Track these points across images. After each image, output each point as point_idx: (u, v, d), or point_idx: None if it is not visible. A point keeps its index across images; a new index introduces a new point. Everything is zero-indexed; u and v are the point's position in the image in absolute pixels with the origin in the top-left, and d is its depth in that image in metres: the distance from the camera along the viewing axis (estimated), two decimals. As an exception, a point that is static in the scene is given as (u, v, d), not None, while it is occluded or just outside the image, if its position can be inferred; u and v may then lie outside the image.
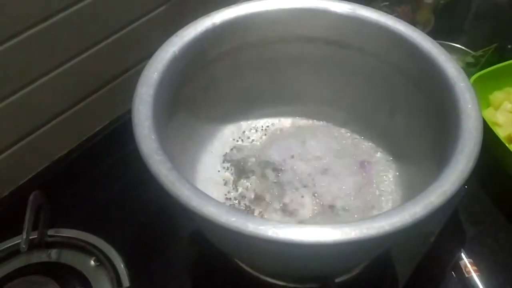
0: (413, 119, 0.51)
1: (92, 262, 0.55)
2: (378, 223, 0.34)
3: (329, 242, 0.34)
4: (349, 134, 0.58)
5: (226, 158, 0.56)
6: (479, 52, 0.81)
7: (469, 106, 0.41)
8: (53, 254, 0.56)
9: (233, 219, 0.35)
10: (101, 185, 0.65)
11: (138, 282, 0.52)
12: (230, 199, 0.54)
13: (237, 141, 0.58)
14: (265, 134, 0.58)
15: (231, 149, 0.57)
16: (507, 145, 0.64)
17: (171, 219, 0.59)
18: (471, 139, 0.39)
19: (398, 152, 0.54)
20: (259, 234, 0.34)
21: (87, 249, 0.55)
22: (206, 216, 0.36)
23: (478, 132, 0.40)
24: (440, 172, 0.38)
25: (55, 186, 0.64)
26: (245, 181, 0.55)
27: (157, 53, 0.47)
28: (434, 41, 0.47)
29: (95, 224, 0.59)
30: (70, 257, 0.55)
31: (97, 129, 0.74)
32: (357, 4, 0.51)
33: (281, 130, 0.59)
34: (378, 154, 0.56)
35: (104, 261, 0.54)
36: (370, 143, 0.57)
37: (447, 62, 0.45)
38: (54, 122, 0.67)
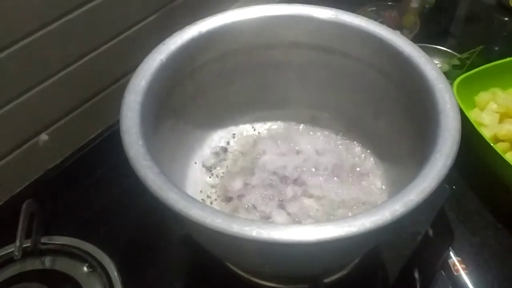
0: (396, 120, 0.52)
1: (85, 269, 0.55)
2: (359, 221, 0.35)
3: (311, 241, 0.35)
4: (336, 136, 0.59)
5: (215, 163, 0.57)
6: (465, 55, 0.83)
7: (448, 106, 0.43)
8: (46, 262, 0.56)
9: (218, 220, 0.36)
10: (94, 193, 0.66)
11: (131, 287, 0.53)
12: (218, 201, 0.54)
13: (226, 146, 0.59)
14: (254, 138, 0.59)
15: (220, 154, 0.58)
16: (492, 145, 0.65)
17: (162, 225, 0.60)
18: (450, 138, 0.40)
19: (383, 152, 0.55)
20: (244, 235, 0.35)
21: (80, 256, 0.56)
22: (192, 218, 0.36)
23: (456, 132, 0.41)
24: (419, 170, 0.39)
25: (49, 195, 0.65)
26: (235, 184, 0.55)
27: (144, 61, 0.48)
28: (415, 45, 0.49)
29: (88, 231, 0.60)
30: (63, 264, 0.56)
31: (90, 138, 0.75)
32: (340, 10, 0.53)
33: (269, 133, 0.60)
34: (364, 155, 0.57)
35: (97, 267, 0.55)
36: (356, 144, 0.58)
37: (427, 64, 0.46)
38: (47, 131, 0.68)
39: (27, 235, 0.55)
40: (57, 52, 0.64)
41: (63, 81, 0.66)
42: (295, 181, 0.54)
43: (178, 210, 0.37)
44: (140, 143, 0.41)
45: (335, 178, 0.54)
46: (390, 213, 0.36)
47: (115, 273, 0.54)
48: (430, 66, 0.46)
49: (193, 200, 0.38)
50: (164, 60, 0.48)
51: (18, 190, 0.67)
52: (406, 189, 0.37)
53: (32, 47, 0.60)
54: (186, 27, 0.51)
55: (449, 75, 0.80)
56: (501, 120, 0.71)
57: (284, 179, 0.54)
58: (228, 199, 0.55)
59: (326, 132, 0.59)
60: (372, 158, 0.56)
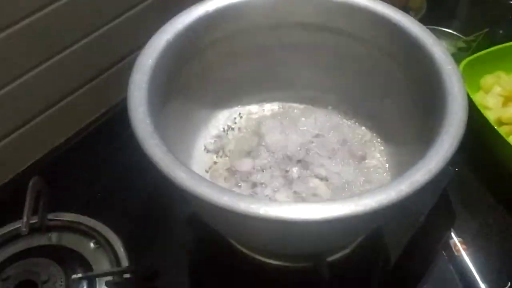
0: (402, 102, 0.52)
1: (92, 245, 0.56)
2: (365, 200, 0.36)
3: (317, 220, 0.35)
4: (341, 117, 0.59)
5: (220, 142, 0.58)
6: (471, 37, 0.82)
7: (455, 88, 0.43)
8: (53, 238, 0.57)
9: (225, 198, 0.36)
10: (100, 171, 0.67)
11: (137, 263, 0.54)
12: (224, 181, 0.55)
13: (232, 125, 0.59)
14: (259, 118, 0.60)
15: (226, 134, 0.58)
16: (496, 128, 0.65)
17: (168, 203, 0.61)
18: (457, 120, 0.40)
19: (389, 134, 0.56)
20: (250, 212, 0.36)
21: (86, 232, 0.57)
22: (200, 196, 0.37)
23: (463, 113, 0.41)
24: (426, 151, 0.39)
25: (55, 172, 0.66)
26: (241, 163, 0.56)
27: (151, 40, 0.48)
28: (422, 26, 0.48)
29: (95, 208, 0.61)
30: (70, 240, 0.57)
31: (97, 115, 0.75)
32: (347, -10, 0.52)
33: (274, 114, 0.60)
34: (370, 137, 0.57)
35: (103, 244, 0.56)
36: (362, 127, 0.58)
37: (435, 46, 0.46)
38: (52, 109, 0.69)
39: (34, 212, 0.56)
40: (63, 29, 0.64)
41: (69, 59, 0.67)
42: (300, 161, 0.54)
43: (186, 188, 0.37)
44: (147, 121, 0.42)
45: (341, 159, 0.55)
46: (395, 193, 0.36)
47: (121, 249, 0.55)
48: (438, 48, 0.46)
49: (201, 178, 0.38)
50: (171, 39, 0.48)
51: (25, 167, 0.68)
52: (412, 169, 0.38)
53: (38, 24, 0.60)
54: (193, 6, 0.51)
55: (455, 58, 0.78)
56: (505, 104, 0.71)
57: (289, 159, 0.55)
58: (234, 179, 0.55)
59: (332, 114, 0.59)
60: (377, 140, 0.57)
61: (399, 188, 0.36)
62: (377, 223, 0.47)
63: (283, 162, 0.55)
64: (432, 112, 0.44)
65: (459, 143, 0.39)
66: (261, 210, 0.36)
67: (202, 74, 0.54)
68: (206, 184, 0.38)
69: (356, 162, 0.55)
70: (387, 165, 0.55)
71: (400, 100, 0.52)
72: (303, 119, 0.58)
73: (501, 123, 0.69)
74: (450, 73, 0.44)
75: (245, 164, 0.56)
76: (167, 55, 0.48)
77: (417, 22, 0.48)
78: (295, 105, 0.61)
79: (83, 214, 0.59)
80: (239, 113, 0.60)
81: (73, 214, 0.59)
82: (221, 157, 0.57)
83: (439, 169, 0.38)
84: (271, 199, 0.51)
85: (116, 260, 0.55)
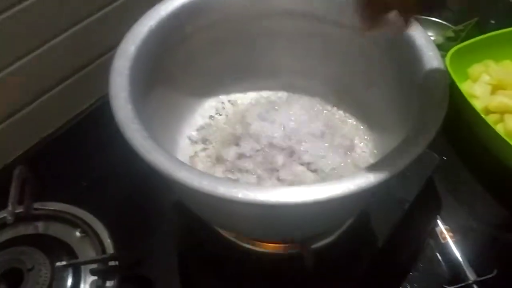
0: (387, 89, 0.52)
1: (78, 233, 0.56)
2: (344, 183, 0.36)
3: (295, 203, 0.35)
4: (327, 105, 0.59)
5: (205, 131, 0.58)
6: (459, 27, 0.82)
7: (437, 74, 0.43)
8: (40, 227, 0.57)
9: (205, 182, 0.36)
10: (86, 161, 0.67)
11: (123, 251, 0.54)
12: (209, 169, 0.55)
13: (217, 114, 0.59)
14: (244, 107, 0.60)
15: (211, 122, 0.58)
16: (483, 116, 0.65)
17: (155, 192, 0.61)
18: (437, 104, 0.40)
19: (374, 121, 0.56)
20: (230, 196, 0.36)
21: (72, 221, 0.57)
22: (180, 180, 0.37)
23: (444, 98, 0.41)
24: (407, 135, 0.39)
25: (42, 162, 0.66)
26: (227, 151, 0.56)
27: (134, 26, 0.48)
28: (405, 12, 0.48)
29: (81, 198, 0.61)
30: (56, 229, 0.57)
31: (84, 107, 0.75)
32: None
33: (259, 102, 0.60)
34: (356, 124, 0.57)
35: (89, 232, 0.56)
36: (347, 114, 0.58)
37: (417, 32, 0.46)
38: (40, 99, 0.69)
39: (21, 201, 0.56)
40: (49, 19, 0.64)
41: (55, 49, 0.66)
42: (286, 149, 0.54)
43: (166, 173, 0.38)
44: (129, 107, 0.42)
45: (326, 145, 0.55)
46: (375, 177, 0.36)
47: (107, 237, 0.55)
48: (419, 34, 0.46)
49: (181, 163, 0.38)
50: (153, 26, 0.48)
51: (12, 159, 0.68)
52: (393, 152, 0.38)
53: (23, 14, 0.60)
54: (177, -8, 0.51)
55: (443, 47, 0.79)
56: (493, 92, 0.71)
57: (274, 147, 0.55)
58: (220, 167, 0.55)
59: (317, 101, 0.59)
60: (363, 127, 0.57)
61: (380, 170, 0.37)
62: (359, 207, 0.47)
63: (268, 150, 0.55)
64: (414, 98, 0.44)
65: (439, 127, 0.39)
66: (239, 194, 0.36)
67: (186, 62, 0.54)
68: (186, 169, 0.38)
69: (342, 150, 0.55)
70: (374, 151, 0.55)
71: (384, 86, 0.52)
72: (288, 107, 0.58)
73: (488, 111, 0.70)
74: (431, 58, 0.44)
75: (230, 153, 0.56)
76: (150, 42, 0.47)
77: (400, 8, 0.48)
78: (280, 93, 0.61)
79: (69, 203, 0.59)
80: (224, 102, 0.60)
81: (59, 204, 0.59)
82: (206, 145, 0.57)
83: (420, 151, 0.38)
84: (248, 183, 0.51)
85: (102, 249, 0.55)
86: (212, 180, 0.37)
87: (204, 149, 0.56)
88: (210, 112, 0.59)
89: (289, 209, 0.37)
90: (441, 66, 0.43)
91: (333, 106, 0.59)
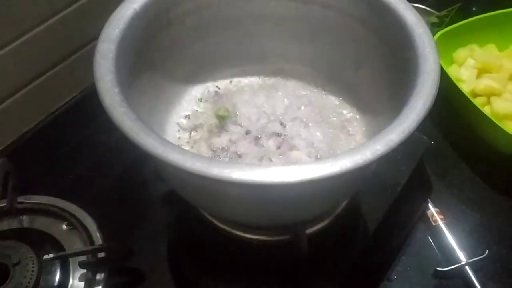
0: (376, 70, 0.52)
1: (64, 226, 0.55)
2: (340, 160, 0.35)
3: (292, 182, 0.34)
4: (316, 89, 0.58)
5: (193, 118, 0.57)
6: (443, 12, 0.83)
7: (427, 50, 0.42)
8: (25, 221, 0.56)
9: (198, 163, 0.35)
10: (72, 154, 0.66)
11: (112, 242, 0.52)
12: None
13: (205, 100, 0.58)
14: (233, 92, 0.59)
15: (199, 108, 0.57)
16: (471, 99, 0.66)
17: (143, 182, 0.60)
18: (429, 80, 0.40)
19: (365, 103, 0.55)
20: (224, 177, 0.35)
21: (58, 214, 0.55)
22: (172, 162, 0.36)
23: (435, 74, 0.41)
24: (400, 111, 0.39)
25: (26, 156, 0.64)
26: (216, 138, 0.55)
27: (117, 10, 0.46)
28: (393, -10, 0.48)
29: (68, 191, 0.59)
30: (42, 223, 0.55)
31: (67, 99, 0.73)
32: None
33: (249, 87, 0.59)
34: (346, 107, 0.57)
35: (76, 225, 0.54)
36: (338, 97, 0.57)
37: (406, 10, 0.46)
38: (21, 92, 0.66)
39: (3, 196, 0.54)
40: (28, 9, 0.62)
41: (35, 40, 0.64)
42: (277, 133, 0.54)
43: (157, 155, 0.36)
44: (116, 90, 0.40)
45: (317, 129, 0.54)
46: (371, 153, 0.36)
47: (95, 229, 0.53)
48: (409, 12, 0.45)
49: (172, 145, 0.37)
50: (137, 9, 0.47)
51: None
52: (387, 129, 0.37)
53: (3, 3, 0.58)
54: (162, -24, 0.49)
55: None
56: (478, 76, 0.72)
57: (265, 131, 0.54)
58: (210, 154, 0.54)
59: (307, 85, 0.59)
60: (353, 109, 0.56)
61: (375, 147, 0.36)
62: (355, 186, 0.47)
63: (259, 135, 0.54)
64: (405, 76, 0.44)
65: (432, 103, 0.39)
66: (233, 174, 0.35)
67: (172, 47, 0.53)
68: (178, 151, 0.37)
69: (334, 132, 0.55)
70: (364, 133, 0.55)
71: (375, 67, 0.52)
72: (277, 91, 0.57)
73: (475, 94, 0.70)
74: (422, 35, 0.43)
75: (220, 139, 0.55)
76: (134, 25, 0.46)
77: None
78: (268, 77, 0.60)
79: (56, 196, 0.57)
80: (212, 88, 0.59)
81: (44, 197, 0.57)
82: (194, 132, 0.56)
83: (413, 129, 0.37)
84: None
85: (90, 241, 0.53)
86: (205, 161, 0.36)
87: (193, 136, 0.55)
88: (198, 98, 0.58)
89: (285, 189, 0.36)
90: (432, 42, 0.43)
91: (323, 89, 0.58)
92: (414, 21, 0.45)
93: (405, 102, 0.41)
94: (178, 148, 0.37)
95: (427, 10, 0.84)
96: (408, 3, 0.47)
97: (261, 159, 0.52)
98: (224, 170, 0.35)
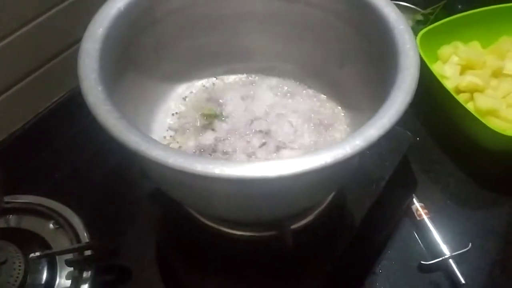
0: (360, 67, 0.52)
1: (51, 226, 0.55)
2: (320, 155, 0.36)
3: (273, 177, 0.35)
4: (301, 86, 0.59)
5: (180, 116, 0.57)
6: (428, 10, 0.84)
7: (407, 46, 0.43)
8: (12, 220, 0.56)
9: (181, 160, 0.36)
10: (59, 154, 0.66)
11: (99, 240, 0.53)
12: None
13: (191, 99, 0.58)
14: (219, 90, 0.59)
15: (185, 107, 0.58)
16: (454, 96, 0.67)
17: (129, 181, 0.60)
18: (409, 75, 0.41)
19: (349, 100, 0.56)
20: (207, 173, 0.35)
21: (45, 214, 0.56)
22: (155, 159, 0.36)
23: (415, 69, 0.41)
24: (380, 107, 0.39)
25: (13, 156, 0.64)
26: (202, 136, 0.55)
27: (101, 9, 0.46)
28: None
29: (55, 190, 0.60)
30: (29, 222, 0.56)
31: (54, 99, 0.73)
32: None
33: (235, 85, 0.59)
34: (330, 104, 0.57)
35: (63, 224, 0.54)
36: (322, 94, 0.58)
37: (387, 6, 0.46)
38: (8, 93, 0.67)
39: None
40: (12, 10, 0.62)
41: (20, 41, 0.64)
42: (262, 131, 0.54)
43: (141, 152, 0.37)
44: (99, 89, 0.41)
45: (302, 126, 0.55)
46: (350, 148, 0.36)
47: (81, 227, 0.54)
48: (389, 9, 0.46)
49: (156, 142, 0.38)
50: (122, 8, 0.47)
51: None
52: (367, 124, 0.38)
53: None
54: (145, -26, 0.50)
55: (413, 31, 0.79)
56: (462, 72, 0.73)
57: (250, 129, 0.55)
58: (198, 152, 0.54)
59: (292, 83, 0.59)
60: (338, 106, 0.57)
61: (354, 142, 0.37)
62: (338, 182, 0.47)
63: (244, 132, 0.54)
64: (386, 72, 0.44)
65: (411, 98, 0.40)
66: (216, 170, 0.35)
67: (158, 46, 0.53)
68: (161, 147, 0.37)
69: (318, 129, 0.55)
70: (349, 129, 0.55)
71: (358, 63, 0.52)
72: (262, 89, 0.58)
73: (459, 91, 0.71)
74: (402, 32, 0.44)
75: (207, 137, 0.55)
76: (119, 24, 0.46)
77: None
78: (254, 75, 0.60)
79: (43, 196, 0.58)
80: (197, 86, 0.60)
81: (31, 196, 0.57)
82: (181, 131, 0.56)
83: (393, 123, 0.38)
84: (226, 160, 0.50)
85: (77, 240, 0.54)
86: (188, 157, 0.36)
87: (179, 135, 0.56)
88: (184, 96, 0.58)
89: (266, 184, 0.36)
90: (412, 38, 0.44)
91: (308, 86, 0.59)
92: (394, 18, 0.46)
93: (386, 96, 0.41)
94: (161, 145, 0.37)
95: (412, 8, 0.85)
96: (388, 0, 0.47)
97: (248, 156, 0.53)
98: (207, 166, 0.35)
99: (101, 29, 0.45)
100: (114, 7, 0.47)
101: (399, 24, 0.45)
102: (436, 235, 0.60)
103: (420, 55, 0.68)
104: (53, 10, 0.67)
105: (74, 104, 0.68)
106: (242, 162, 0.39)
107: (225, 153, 0.53)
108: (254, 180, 0.35)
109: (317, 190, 0.46)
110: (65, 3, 0.68)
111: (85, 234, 0.54)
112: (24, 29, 0.65)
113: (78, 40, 0.70)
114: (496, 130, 0.62)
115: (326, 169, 0.36)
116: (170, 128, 0.57)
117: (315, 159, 0.36)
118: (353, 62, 0.54)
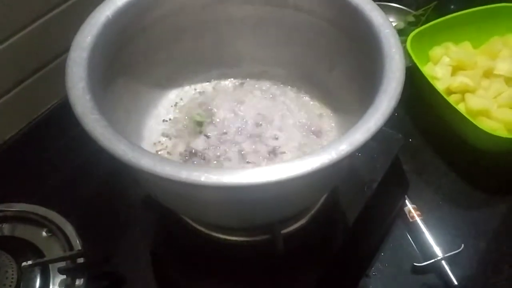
0: (348, 70, 0.53)
1: (44, 233, 0.55)
2: (306, 160, 0.36)
3: (259, 183, 0.35)
4: (291, 90, 0.59)
5: (171, 122, 0.57)
6: (420, 11, 0.84)
7: (393, 50, 0.43)
8: (5, 229, 0.56)
9: (168, 168, 0.36)
10: (52, 161, 0.66)
11: (91, 247, 0.53)
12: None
13: (182, 104, 0.59)
14: (209, 95, 0.59)
15: (176, 113, 0.58)
16: (446, 97, 0.67)
17: (122, 189, 0.60)
18: (394, 79, 0.41)
19: (338, 104, 0.56)
20: (193, 180, 0.35)
21: (38, 222, 0.56)
22: (142, 168, 0.36)
23: (400, 73, 0.41)
24: (365, 111, 0.39)
25: (6, 164, 0.64)
26: (194, 142, 0.55)
27: (90, 17, 0.47)
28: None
29: (48, 198, 0.60)
30: (22, 230, 0.56)
31: (47, 107, 0.74)
32: (289, -38, 0.52)
33: (226, 90, 0.59)
34: (321, 107, 0.57)
35: (55, 231, 0.55)
36: (312, 99, 0.58)
37: (373, 11, 0.46)
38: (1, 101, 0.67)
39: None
40: (3, 18, 0.62)
41: (11, 49, 0.64)
42: (253, 135, 0.54)
43: (128, 160, 0.37)
44: (87, 97, 0.41)
45: (293, 130, 0.55)
46: (336, 152, 0.36)
47: (74, 235, 0.54)
48: (376, 13, 0.46)
49: (143, 150, 0.38)
50: (110, 16, 0.47)
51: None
52: (352, 129, 0.38)
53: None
54: (133, -19, 0.50)
55: (405, 32, 0.81)
56: (453, 73, 0.73)
57: (241, 133, 0.55)
58: (190, 158, 0.55)
59: (282, 87, 0.59)
60: (328, 109, 0.57)
61: (340, 147, 0.37)
62: (326, 186, 0.47)
63: (235, 137, 0.55)
64: (372, 76, 0.44)
65: (397, 102, 0.40)
66: (202, 177, 0.35)
67: (148, 53, 0.54)
68: (148, 156, 0.37)
69: (308, 132, 0.56)
70: (339, 133, 0.56)
71: (347, 67, 0.53)
72: (253, 93, 0.58)
73: (450, 92, 0.71)
74: (388, 36, 0.44)
75: (198, 143, 0.55)
76: (107, 32, 0.47)
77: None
78: (245, 79, 0.61)
79: (36, 204, 0.58)
80: (188, 91, 0.60)
81: (23, 204, 0.58)
82: (173, 136, 0.56)
83: (378, 127, 0.38)
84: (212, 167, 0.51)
85: (70, 248, 0.54)
86: (175, 165, 0.36)
87: (171, 141, 0.56)
88: (175, 102, 0.59)
89: (252, 190, 0.37)
90: (398, 42, 0.44)
91: (299, 90, 0.59)
92: (380, 22, 0.46)
93: (372, 100, 0.42)
94: (148, 153, 0.37)
95: (404, 9, 0.85)
96: (374, 4, 0.47)
97: (239, 160, 0.53)
98: (193, 173, 0.36)
99: (89, 37, 0.45)
100: (103, 15, 0.47)
101: (385, 28, 0.45)
102: (429, 237, 0.60)
103: (411, 57, 0.69)
104: (45, 18, 0.67)
105: (66, 112, 0.68)
106: (228, 169, 0.39)
107: (217, 157, 0.54)
108: (240, 187, 0.36)
109: (305, 195, 0.46)
110: (57, 10, 0.68)
111: (78, 242, 0.54)
112: (14, 38, 0.65)
113: (68, 48, 0.71)
114: (487, 130, 0.62)
115: (312, 175, 0.36)
116: (161, 134, 0.57)
117: (301, 165, 0.36)
118: (343, 65, 0.54)
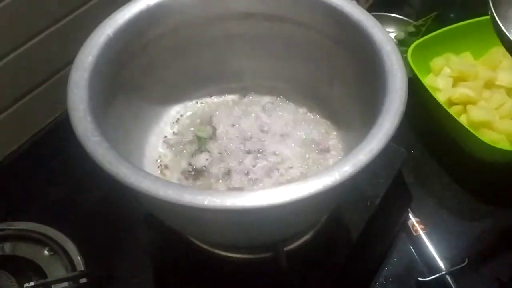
0: (350, 86, 0.53)
1: (46, 252, 0.55)
2: (309, 183, 0.36)
3: (264, 206, 0.35)
4: (292, 106, 0.59)
5: (173, 139, 0.57)
6: (420, 22, 0.84)
7: (395, 67, 0.43)
8: (6, 247, 0.56)
9: (170, 191, 0.36)
10: (52, 178, 0.65)
11: (94, 267, 0.53)
12: (180, 179, 0.54)
13: (184, 120, 0.59)
14: (210, 111, 0.59)
15: (178, 129, 0.58)
16: (447, 108, 0.67)
17: (124, 206, 0.59)
18: (397, 99, 0.41)
19: (340, 119, 0.56)
20: (196, 204, 0.35)
21: (40, 240, 0.56)
22: (144, 191, 0.36)
23: (402, 92, 0.41)
24: (368, 131, 0.39)
25: (5, 181, 0.64)
26: (195, 158, 0.55)
27: (90, 37, 0.47)
28: (363, 9, 0.49)
29: (48, 216, 0.59)
30: (24, 249, 0.56)
31: (47, 122, 0.73)
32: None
33: (226, 105, 0.59)
34: (321, 123, 0.57)
35: (58, 250, 0.54)
36: (313, 113, 0.58)
37: (374, 27, 0.46)
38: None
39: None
40: (3, 34, 0.62)
41: (11, 65, 0.64)
42: (255, 151, 0.54)
43: (130, 184, 0.37)
44: (88, 119, 0.41)
45: (295, 146, 0.55)
46: (339, 174, 0.36)
47: (76, 254, 0.54)
48: (377, 29, 0.46)
49: (145, 173, 0.38)
50: (111, 35, 0.47)
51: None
52: (355, 150, 0.38)
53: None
54: (133, 0, 0.50)
55: (406, 43, 0.81)
56: (454, 84, 0.73)
57: (242, 149, 0.55)
58: (193, 175, 0.54)
59: (283, 102, 0.59)
60: (329, 125, 0.57)
61: (343, 169, 0.37)
62: (329, 206, 0.47)
63: (238, 152, 0.55)
64: (374, 93, 0.44)
65: (400, 121, 0.40)
66: (205, 201, 0.35)
67: (148, 70, 0.53)
68: (150, 179, 0.37)
69: (310, 149, 0.56)
70: (341, 149, 0.55)
71: (348, 83, 0.53)
72: (254, 108, 0.58)
73: (451, 103, 0.71)
74: (390, 53, 0.44)
75: (200, 159, 0.55)
76: (108, 51, 0.46)
77: (357, 5, 0.49)
78: (245, 95, 0.60)
79: (36, 222, 0.58)
80: (190, 107, 0.60)
81: (25, 223, 0.57)
82: (175, 154, 0.56)
83: (381, 148, 0.38)
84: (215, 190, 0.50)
85: (72, 267, 0.54)
86: (178, 188, 0.36)
87: (172, 157, 0.56)
88: (177, 118, 0.58)
89: (256, 213, 0.36)
90: (400, 59, 0.44)
91: (299, 105, 0.59)
92: (382, 39, 0.46)
93: (375, 119, 0.41)
94: (150, 176, 0.37)
95: (404, 19, 0.85)
96: (376, 21, 0.47)
97: (240, 177, 0.53)
98: (196, 197, 0.35)
99: (90, 57, 0.45)
100: (103, 34, 0.47)
101: (386, 45, 0.45)
102: (433, 251, 0.60)
103: (411, 68, 0.69)
104: (43, 34, 0.67)
105: (66, 128, 0.69)
106: (231, 192, 0.38)
107: (219, 173, 0.53)
108: (243, 210, 0.35)
109: (308, 215, 0.46)
110: (57, 26, 0.68)
111: (80, 260, 0.54)
112: (14, 53, 0.65)
113: (68, 64, 0.71)
114: (489, 143, 0.62)
115: (316, 197, 0.36)
116: (162, 150, 0.57)
117: (304, 187, 0.36)
118: (343, 81, 0.54)
